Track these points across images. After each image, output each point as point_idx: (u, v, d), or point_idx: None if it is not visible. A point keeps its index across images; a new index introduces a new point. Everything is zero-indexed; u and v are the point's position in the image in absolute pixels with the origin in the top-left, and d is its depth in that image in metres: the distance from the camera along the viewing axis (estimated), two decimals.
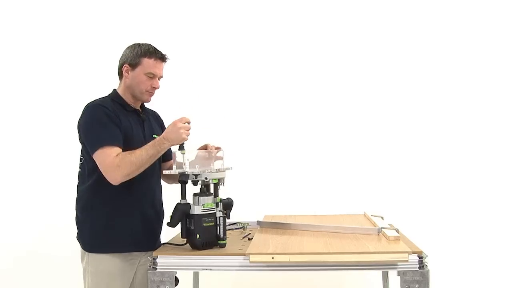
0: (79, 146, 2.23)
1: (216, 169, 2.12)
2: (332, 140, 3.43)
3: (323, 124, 3.46)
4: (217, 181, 2.12)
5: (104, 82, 2.41)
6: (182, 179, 2.05)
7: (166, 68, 2.30)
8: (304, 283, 3.16)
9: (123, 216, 2.17)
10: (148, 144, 2.09)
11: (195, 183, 2.10)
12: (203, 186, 2.11)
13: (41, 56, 3.57)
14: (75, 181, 2.27)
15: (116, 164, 2.03)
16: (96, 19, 3.56)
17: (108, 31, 3.51)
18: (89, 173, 2.17)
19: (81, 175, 2.23)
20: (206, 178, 2.08)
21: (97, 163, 2.08)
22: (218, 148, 2.24)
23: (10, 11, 3.59)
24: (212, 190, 2.12)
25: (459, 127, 3.39)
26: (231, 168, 2.20)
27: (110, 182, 2.06)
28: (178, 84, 3.46)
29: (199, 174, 2.07)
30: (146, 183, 2.23)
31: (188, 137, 2.10)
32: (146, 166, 2.08)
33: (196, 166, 2.10)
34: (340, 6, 3.47)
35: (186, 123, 2.09)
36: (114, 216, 2.16)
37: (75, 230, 2.26)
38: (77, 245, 2.27)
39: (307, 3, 3.49)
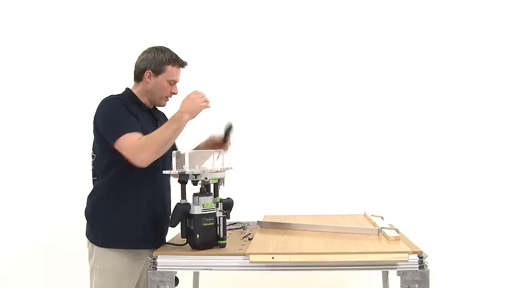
0: (79, 147, 2.21)
1: (216, 169, 2.12)
2: (332, 141, 3.43)
3: (323, 124, 3.46)
4: (217, 181, 2.12)
5: (112, 82, 2.42)
6: (182, 179, 2.05)
7: None
8: (304, 283, 3.16)
9: (135, 212, 2.18)
10: (166, 122, 2.11)
11: (195, 183, 2.10)
12: (203, 186, 2.11)
13: (47, 57, 3.58)
14: (75, 181, 2.26)
15: (142, 145, 2.04)
16: (99, 20, 3.56)
17: (112, 32, 3.53)
18: (104, 168, 2.19)
19: (95, 172, 2.25)
20: (206, 178, 2.08)
21: (121, 151, 2.07)
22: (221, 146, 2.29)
23: (11, 10, 3.60)
24: (212, 190, 2.12)
25: (459, 128, 3.39)
26: (231, 168, 2.20)
27: (139, 164, 2.06)
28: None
29: (199, 174, 2.07)
30: (158, 182, 2.25)
31: (209, 104, 2.14)
32: (172, 142, 2.09)
33: (196, 166, 2.10)
34: (340, 7, 3.47)
35: (199, 94, 2.13)
36: (126, 212, 2.17)
37: (79, 229, 2.26)
38: (81, 245, 2.26)
39: (307, 3, 3.49)
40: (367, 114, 3.45)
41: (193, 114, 2.11)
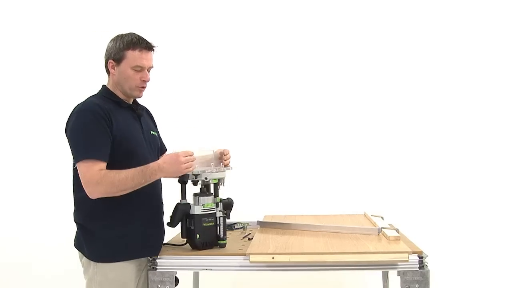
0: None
1: (216, 169, 2.12)
2: (332, 141, 3.43)
3: (323, 124, 3.46)
4: (217, 181, 2.12)
5: (95, 77, 2.28)
6: (182, 179, 2.04)
7: (175, 68, 2.20)
8: (304, 283, 3.16)
9: (138, 219, 2.03)
10: (138, 169, 1.93)
11: (195, 183, 2.10)
12: (203, 186, 2.11)
13: (31, 55, 3.56)
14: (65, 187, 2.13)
15: (96, 180, 1.90)
16: (87, 13, 3.53)
17: (99, 25, 3.46)
18: None
19: (76, 182, 2.02)
20: (206, 178, 2.08)
21: (79, 174, 1.94)
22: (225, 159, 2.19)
23: None
24: (212, 190, 2.12)
25: (458, 128, 3.39)
26: (231, 168, 2.20)
27: (87, 195, 1.94)
28: (178, 83, 3.46)
29: (199, 174, 2.07)
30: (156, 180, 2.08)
31: (191, 168, 1.98)
32: (129, 191, 1.94)
33: (196, 166, 2.09)
34: (340, 6, 3.47)
35: (189, 157, 1.97)
36: (129, 221, 2.01)
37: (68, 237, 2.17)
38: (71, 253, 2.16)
39: (306, 3, 3.49)
40: (367, 115, 3.45)
41: (167, 176, 1.99)
